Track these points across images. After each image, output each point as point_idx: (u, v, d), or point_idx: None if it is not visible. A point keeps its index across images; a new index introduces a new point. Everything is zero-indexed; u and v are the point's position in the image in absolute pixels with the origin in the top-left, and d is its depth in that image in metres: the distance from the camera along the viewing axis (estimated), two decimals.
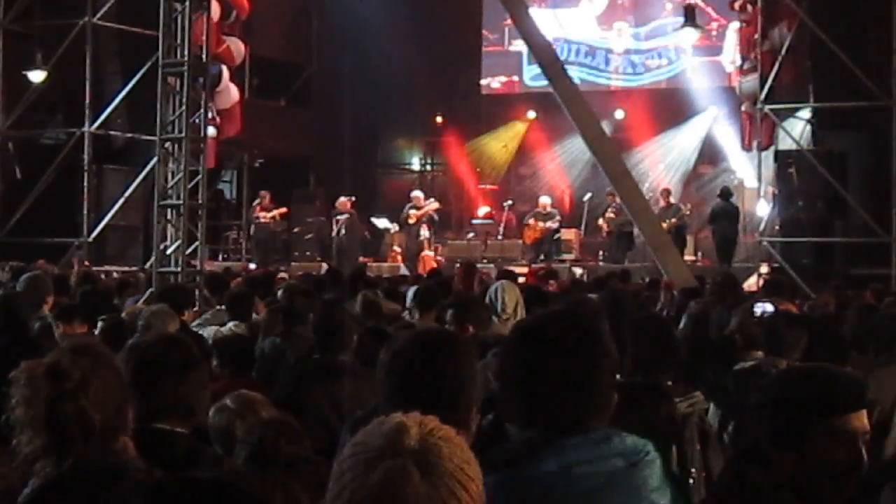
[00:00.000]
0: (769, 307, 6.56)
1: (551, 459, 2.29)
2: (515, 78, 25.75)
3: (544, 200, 21.53)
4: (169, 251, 14.18)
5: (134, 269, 17.13)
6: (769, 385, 2.46)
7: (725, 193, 19.37)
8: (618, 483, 2.30)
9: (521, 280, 11.73)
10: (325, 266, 18.00)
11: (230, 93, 19.20)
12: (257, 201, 21.56)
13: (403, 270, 18.82)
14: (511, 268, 14.28)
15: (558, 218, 21.21)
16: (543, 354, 2.40)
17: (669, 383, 4.09)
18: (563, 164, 24.43)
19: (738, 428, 4.82)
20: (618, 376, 3.95)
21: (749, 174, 21.15)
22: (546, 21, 22.36)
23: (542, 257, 20.39)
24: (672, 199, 19.83)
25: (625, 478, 2.31)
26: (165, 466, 2.69)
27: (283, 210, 21.50)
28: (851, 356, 5.47)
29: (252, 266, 18.97)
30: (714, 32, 23.19)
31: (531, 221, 21.02)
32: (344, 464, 1.76)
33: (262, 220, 21.16)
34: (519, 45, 23.69)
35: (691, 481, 2.61)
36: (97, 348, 2.85)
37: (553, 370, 2.37)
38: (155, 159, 14.84)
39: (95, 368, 2.71)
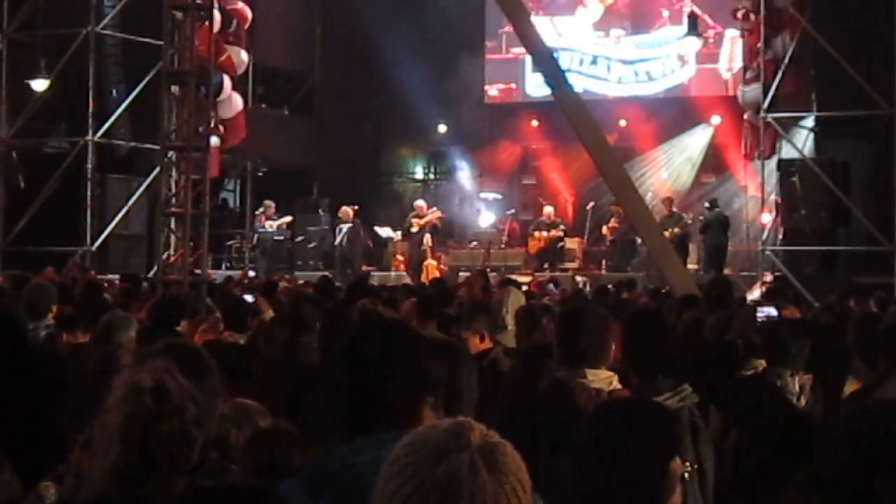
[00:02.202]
0: (773, 311, 6.46)
1: (335, 461, 2.42)
2: (514, 85, 25.73)
3: (548, 210, 21.53)
4: (171, 260, 14.20)
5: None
6: (865, 417, 2.35)
7: (713, 203, 19.73)
8: None
9: (524, 289, 11.70)
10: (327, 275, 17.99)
11: (233, 102, 19.17)
12: (261, 210, 21.53)
13: (407, 279, 18.83)
14: (514, 276, 14.28)
15: (562, 227, 21.20)
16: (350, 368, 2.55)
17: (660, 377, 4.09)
18: (566, 172, 24.41)
19: (746, 440, 4.78)
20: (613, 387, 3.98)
21: (752, 183, 21.15)
22: (544, 28, 22.35)
23: (545, 266, 20.38)
24: (674, 208, 19.87)
25: None
26: None
27: (289, 219, 21.49)
28: (854, 365, 5.43)
29: (252, 274, 18.96)
30: (711, 39, 23.18)
31: (536, 234, 20.99)
32: (402, 460, 1.74)
33: (268, 230, 21.13)
34: (517, 52, 23.69)
35: (686, 475, 2.61)
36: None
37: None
38: (158, 168, 14.86)
39: (203, 395, 2.72)
